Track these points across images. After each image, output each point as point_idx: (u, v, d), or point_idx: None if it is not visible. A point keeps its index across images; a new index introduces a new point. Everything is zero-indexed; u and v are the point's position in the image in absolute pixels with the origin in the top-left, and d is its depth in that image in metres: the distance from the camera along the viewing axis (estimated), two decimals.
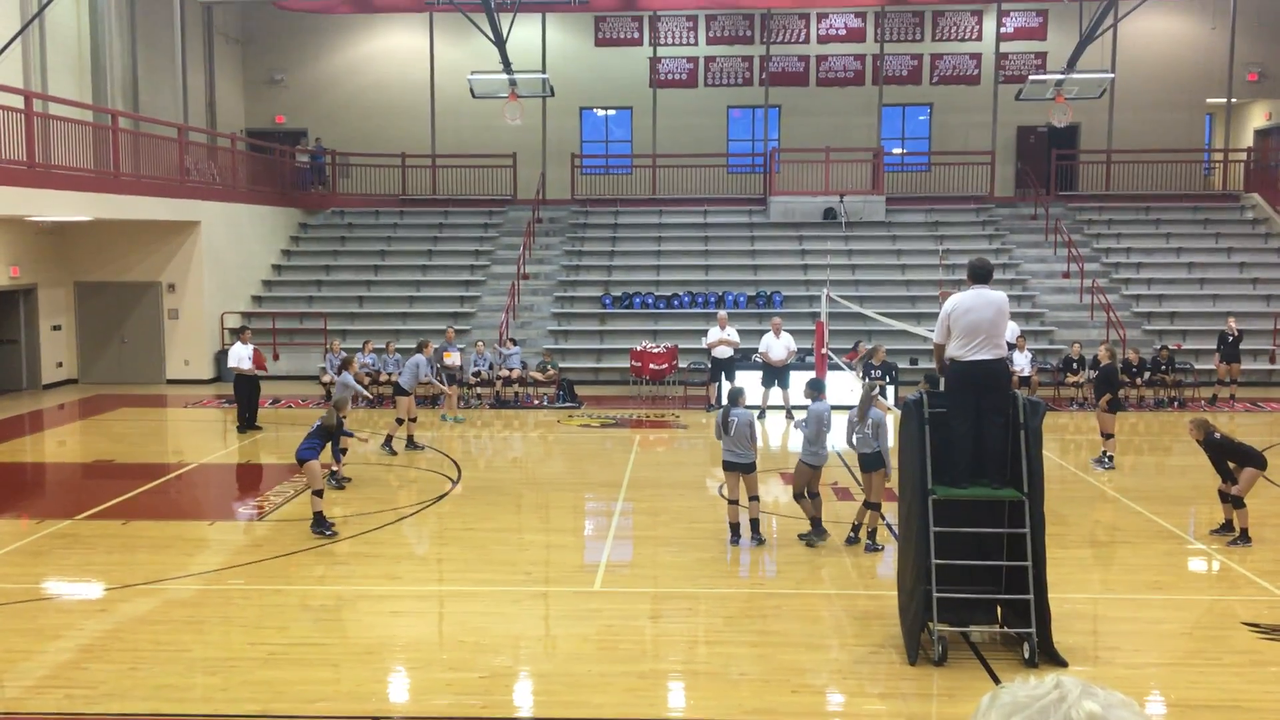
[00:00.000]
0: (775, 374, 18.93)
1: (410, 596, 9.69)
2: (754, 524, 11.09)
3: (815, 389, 11.34)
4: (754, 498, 11.06)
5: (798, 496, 11.12)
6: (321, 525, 11.36)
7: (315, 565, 10.52)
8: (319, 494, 11.50)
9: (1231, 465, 11.11)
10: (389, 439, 15.72)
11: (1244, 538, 10.98)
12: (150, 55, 25.43)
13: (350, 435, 13.18)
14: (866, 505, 10.99)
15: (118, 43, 24.00)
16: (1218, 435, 11.21)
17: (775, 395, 19.01)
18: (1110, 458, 14.87)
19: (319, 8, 27.85)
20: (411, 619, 9.13)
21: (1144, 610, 9.32)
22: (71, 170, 18.63)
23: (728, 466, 10.97)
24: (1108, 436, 14.93)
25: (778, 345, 19.07)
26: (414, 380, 15.95)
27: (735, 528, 11.10)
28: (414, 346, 17.06)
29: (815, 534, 11.04)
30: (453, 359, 19.70)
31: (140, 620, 9.01)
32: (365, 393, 15.77)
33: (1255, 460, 11.00)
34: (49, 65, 21.86)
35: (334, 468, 13.37)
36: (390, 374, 19.24)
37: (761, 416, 18.35)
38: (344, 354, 18.47)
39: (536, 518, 12.77)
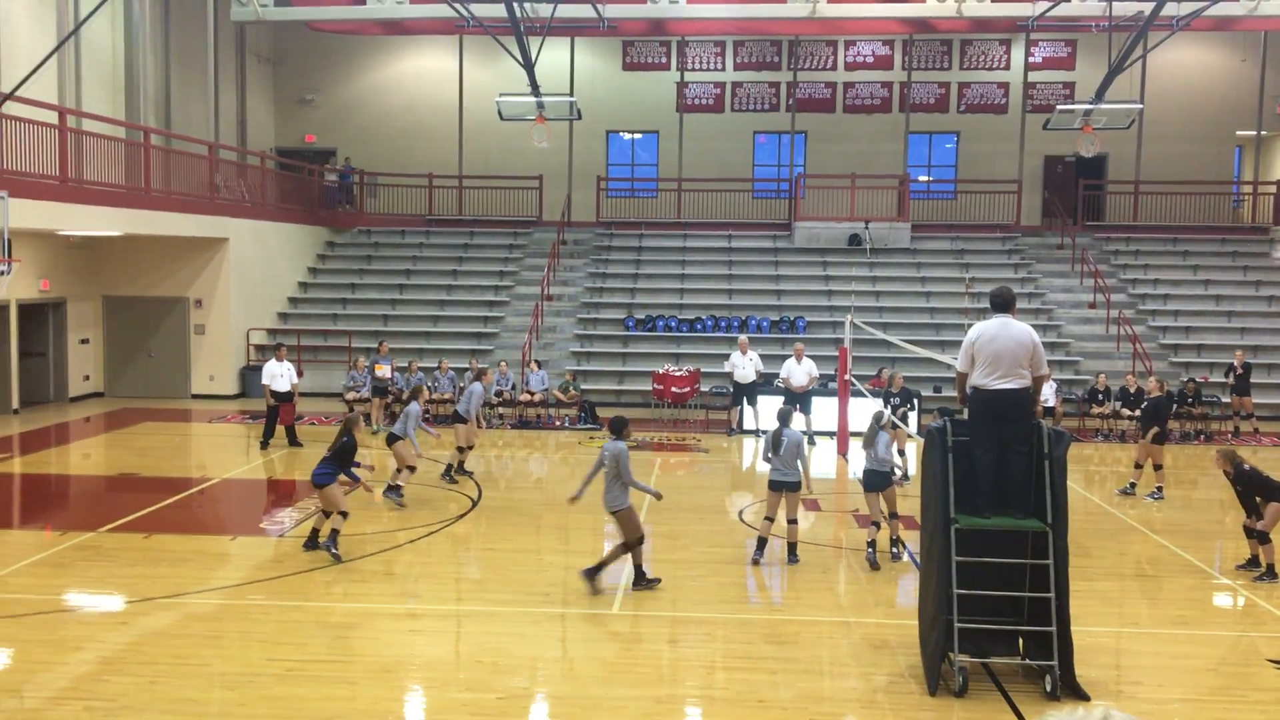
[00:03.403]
0: (796, 399, 18.85)
1: (428, 616, 9.69)
2: (791, 548, 11.28)
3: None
4: (793, 521, 11.21)
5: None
6: (332, 543, 11.20)
7: (335, 583, 10.54)
8: (344, 515, 11.40)
9: (1258, 499, 11.00)
10: (449, 468, 15.40)
11: (1270, 573, 10.86)
12: (183, 73, 25.77)
13: (358, 465, 11.99)
14: (879, 523, 11.26)
15: (151, 60, 24.33)
16: (1247, 467, 11.10)
17: (797, 420, 18.94)
18: (1159, 489, 14.80)
19: (350, 29, 28.11)
20: (429, 638, 9.13)
21: (1168, 645, 9.22)
22: (103, 186, 18.85)
23: (773, 486, 11.15)
24: (1158, 468, 14.90)
25: (799, 371, 19.03)
26: (471, 408, 15.64)
27: (763, 543, 11.26)
28: (458, 370, 16.94)
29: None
30: (383, 371, 19.82)
31: (160, 634, 9.06)
32: (431, 431, 14.96)
33: None
34: (83, 81, 22.18)
35: (397, 483, 13.75)
36: (442, 393, 20.03)
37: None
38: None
39: (556, 539, 12.77)
